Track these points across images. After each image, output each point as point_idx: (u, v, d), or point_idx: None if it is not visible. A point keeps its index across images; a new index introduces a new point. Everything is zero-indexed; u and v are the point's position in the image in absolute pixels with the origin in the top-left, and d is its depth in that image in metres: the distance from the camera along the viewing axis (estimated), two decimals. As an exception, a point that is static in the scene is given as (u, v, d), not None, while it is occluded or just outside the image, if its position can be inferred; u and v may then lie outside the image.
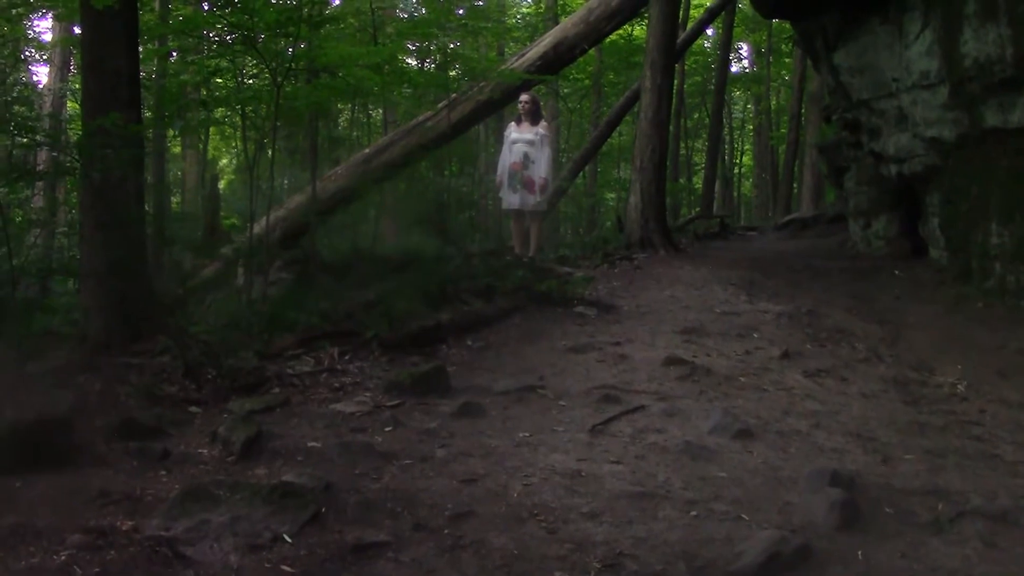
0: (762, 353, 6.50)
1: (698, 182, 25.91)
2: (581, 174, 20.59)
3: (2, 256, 7.23)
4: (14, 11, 10.34)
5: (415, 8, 21.00)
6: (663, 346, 6.50)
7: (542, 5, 24.15)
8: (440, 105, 12.95)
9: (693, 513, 3.67)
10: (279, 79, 8.26)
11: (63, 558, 3.10)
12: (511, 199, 10.63)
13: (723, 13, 19.63)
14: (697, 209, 21.15)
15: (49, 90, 17.76)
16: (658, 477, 4.06)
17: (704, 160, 24.33)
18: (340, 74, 9.81)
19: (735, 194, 33.18)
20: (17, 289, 7.14)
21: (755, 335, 6.98)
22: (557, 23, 17.03)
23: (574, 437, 4.60)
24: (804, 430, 4.89)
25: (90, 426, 4.58)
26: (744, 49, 32.00)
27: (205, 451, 4.32)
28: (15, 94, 16.87)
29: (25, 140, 7.90)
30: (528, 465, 4.15)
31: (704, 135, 27.17)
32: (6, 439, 4.00)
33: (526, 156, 10.52)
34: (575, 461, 4.22)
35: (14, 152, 12.10)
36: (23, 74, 18.96)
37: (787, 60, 26.78)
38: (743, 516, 3.67)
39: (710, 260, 10.43)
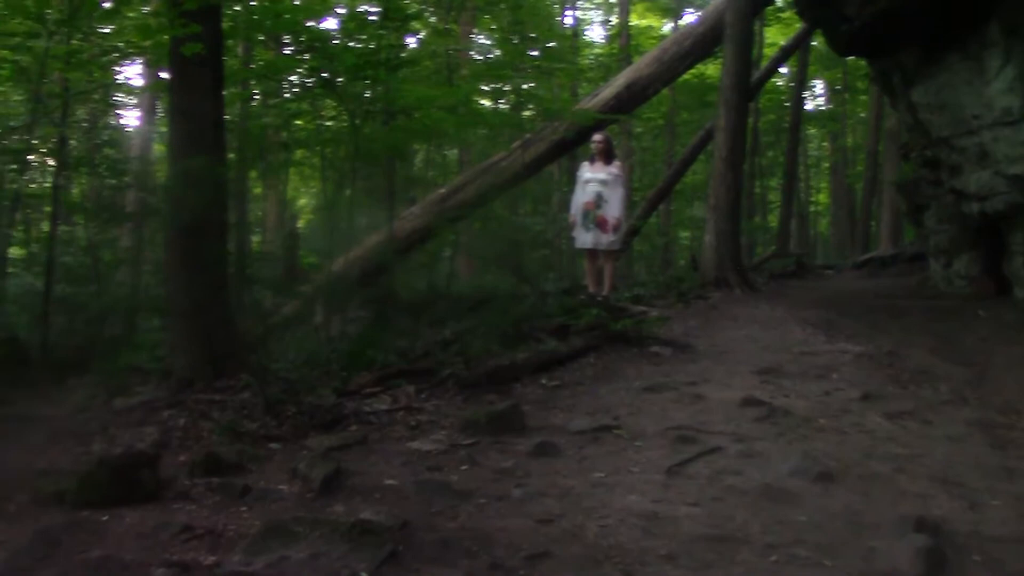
0: (842, 394, 6.38)
1: (773, 220, 25.69)
2: (655, 213, 20.57)
3: (91, 294, 7.48)
4: (105, 58, 10.76)
5: (489, 50, 21.32)
6: (740, 386, 6.43)
7: (615, 46, 24.29)
8: (514, 145, 13.10)
9: (773, 558, 3.60)
10: (357, 121, 8.45)
11: (149, 591, 3.18)
12: (584, 238, 10.64)
13: (797, 51, 19.54)
14: (773, 248, 20.94)
15: (137, 133, 18.33)
16: (736, 520, 4.00)
17: (779, 198, 24.10)
18: (416, 115, 9.97)
19: (811, 232, 32.81)
20: (105, 326, 7.37)
21: (834, 376, 6.87)
22: (630, 63, 17.14)
23: (650, 478, 4.56)
24: (886, 474, 4.78)
25: (174, 461, 4.70)
26: (819, 86, 31.80)
27: (285, 487, 4.37)
28: (105, 137, 17.46)
29: (114, 181, 8.19)
30: (604, 506, 4.13)
31: (779, 173, 26.94)
32: (95, 473, 4.13)
33: (599, 195, 10.53)
34: (651, 502, 4.18)
35: (104, 193, 12.52)
36: (112, 118, 19.60)
37: (863, 97, 26.54)
38: (824, 562, 3.58)
39: (786, 299, 10.31)
